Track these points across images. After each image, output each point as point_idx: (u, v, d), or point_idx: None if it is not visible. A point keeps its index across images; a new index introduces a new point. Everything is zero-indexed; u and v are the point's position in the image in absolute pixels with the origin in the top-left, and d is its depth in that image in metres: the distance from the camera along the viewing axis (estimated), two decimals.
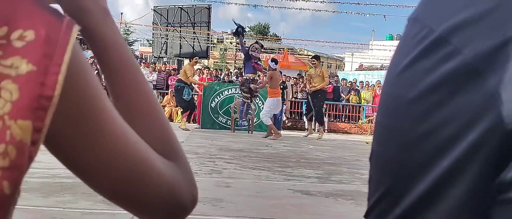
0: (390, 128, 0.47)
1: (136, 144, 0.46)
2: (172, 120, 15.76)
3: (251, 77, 11.58)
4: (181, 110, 12.70)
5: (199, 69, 17.10)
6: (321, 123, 12.39)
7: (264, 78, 11.63)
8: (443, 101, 0.42)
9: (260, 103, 13.25)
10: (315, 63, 11.84)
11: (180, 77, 12.24)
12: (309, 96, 11.95)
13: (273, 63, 11.16)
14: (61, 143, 0.42)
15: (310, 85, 11.72)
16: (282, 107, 14.52)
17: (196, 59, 12.56)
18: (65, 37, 0.40)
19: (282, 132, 14.34)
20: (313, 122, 12.46)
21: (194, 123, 14.23)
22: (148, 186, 0.46)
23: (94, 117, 0.43)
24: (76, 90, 0.41)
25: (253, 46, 11.89)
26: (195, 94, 13.29)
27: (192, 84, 12.28)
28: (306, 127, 13.27)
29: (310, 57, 11.34)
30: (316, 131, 12.62)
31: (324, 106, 16.38)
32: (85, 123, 0.42)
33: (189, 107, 12.21)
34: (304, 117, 13.21)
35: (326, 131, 16.27)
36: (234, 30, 12.44)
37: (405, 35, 0.48)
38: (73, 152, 0.43)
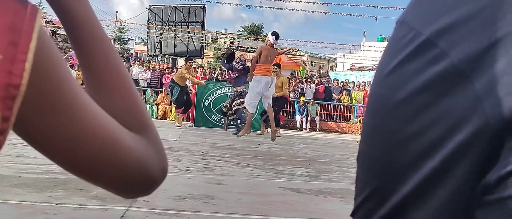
0: (377, 128, 0.47)
1: (106, 124, 0.46)
2: (165, 118, 15.73)
3: (241, 90, 10.77)
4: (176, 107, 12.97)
5: (194, 67, 17.06)
6: (278, 124, 11.75)
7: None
8: (430, 103, 0.42)
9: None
10: (276, 71, 10.72)
11: (174, 78, 12.45)
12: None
13: (273, 37, 8.86)
14: (29, 129, 0.42)
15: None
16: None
17: (190, 63, 12.62)
18: (30, 24, 0.39)
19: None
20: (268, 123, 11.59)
21: (187, 121, 14.20)
22: (118, 163, 0.47)
23: (62, 103, 0.42)
24: (44, 77, 0.41)
25: (238, 58, 11.03)
26: (190, 92, 13.37)
27: (187, 84, 12.38)
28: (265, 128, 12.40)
29: (272, 64, 9.79)
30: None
31: (318, 105, 16.46)
32: (54, 109, 0.42)
33: (181, 104, 12.42)
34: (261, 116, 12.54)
35: (317, 130, 16.36)
36: (227, 57, 11.28)
37: (393, 37, 0.47)
38: (42, 137, 0.43)
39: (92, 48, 0.52)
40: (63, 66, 0.43)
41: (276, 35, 8.90)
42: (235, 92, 11.05)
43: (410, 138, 0.43)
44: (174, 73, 17.36)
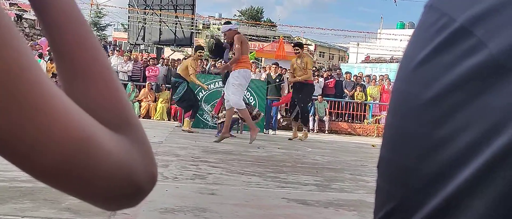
0: (402, 132, 0.46)
1: (79, 121, 0.45)
2: (149, 117, 15.74)
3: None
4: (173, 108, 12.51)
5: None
6: (305, 124, 11.89)
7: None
8: (465, 102, 0.41)
9: (250, 98, 13.26)
10: (298, 52, 11.11)
11: (178, 72, 11.49)
12: (293, 89, 11.53)
13: (232, 24, 9.61)
14: None
15: (293, 78, 11.16)
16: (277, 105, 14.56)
17: (200, 53, 11.47)
18: None
19: (277, 132, 14.40)
20: (298, 122, 11.63)
21: (175, 120, 14.20)
22: (96, 168, 0.46)
23: (23, 93, 0.41)
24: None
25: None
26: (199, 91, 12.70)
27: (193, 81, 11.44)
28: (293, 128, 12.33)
29: (293, 45, 10.22)
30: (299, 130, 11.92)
31: (327, 103, 16.47)
32: (13, 100, 0.41)
33: (189, 106, 11.46)
34: (289, 114, 12.33)
35: (326, 131, 16.38)
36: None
37: (420, 24, 0.47)
38: (3, 136, 0.41)
39: (65, 30, 0.51)
40: (23, 50, 0.42)
41: (228, 22, 9.86)
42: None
43: (440, 143, 0.43)
44: (160, 64, 17.46)
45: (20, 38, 0.42)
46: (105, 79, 0.52)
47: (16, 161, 0.43)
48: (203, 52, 11.66)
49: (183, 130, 11.08)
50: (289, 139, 11.52)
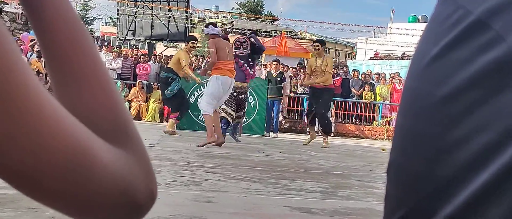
0: (414, 133, 0.47)
1: (73, 129, 0.44)
2: (140, 118, 15.75)
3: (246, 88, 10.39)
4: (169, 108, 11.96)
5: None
6: (326, 131, 11.24)
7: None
8: (482, 100, 0.42)
9: (249, 97, 13.26)
10: (318, 50, 10.58)
11: (170, 66, 11.22)
12: (310, 93, 11.06)
13: (209, 28, 9.51)
14: None
15: (309, 80, 10.69)
16: (279, 105, 14.57)
17: (193, 43, 11.11)
18: None
19: (279, 135, 14.40)
20: (315, 126, 11.45)
21: (167, 122, 14.19)
22: (91, 182, 0.45)
23: (12, 99, 0.40)
24: None
25: (236, 41, 10.31)
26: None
27: (185, 76, 11.05)
28: (308, 130, 12.09)
29: (313, 41, 10.00)
30: (320, 136, 11.58)
31: (333, 103, 16.47)
32: (2, 105, 0.40)
33: (179, 106, 11.28)
34: (305, 118, 12.48)
35: (332, 134, 16.38)
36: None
37: (434, 17, 0.47)
38: None
39: (60, 32, 0.50)
40: (12, 54, 0.41)
41: (212, 24, 9.69)
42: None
43: (455, 145, 0.43)
44: (152, 61, 17.48)
45: (9, 39, 0.42)
46: (102, 87, 0.51)
47: (8, 171, 0.43)
48: (196, 43, 11.33)
49: (165, 132, 10.87)
50: (304, 143, 11.22)
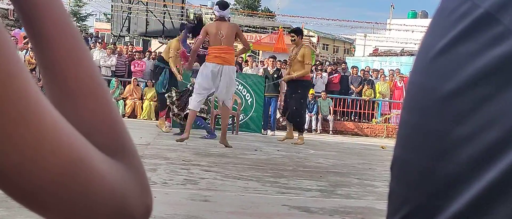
0: (419, 129, 0.46)
1: (71, 139, 0.44)
2: (135, 116, 15.74)
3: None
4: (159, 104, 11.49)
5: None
6: (299, 129, 10.75)
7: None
8: (490, 96, 0.41)
9: (247, 95, 13.26)
10: (294, 40, 10.09)
11: (162, 55, 11.04)
12: (286, 88, 10.64)
13: (217, 6, 8.89)
14: None
15: (288, 75, 10.25)
16: (276, 103, 14.56)
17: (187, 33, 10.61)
18: None
19: (276, 133, 14.42)
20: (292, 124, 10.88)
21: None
22: (87, 195, 0.45)
23: (11, 105, 0.40)
24: None
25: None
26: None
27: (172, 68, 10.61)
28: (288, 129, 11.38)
29: (289, 31, 9.43)
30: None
31: (331, 101, 16.48)
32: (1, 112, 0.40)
33: (165, 103, 10.83)
34: (279, 112, 11.84)
35: (330, 131, 16.40)
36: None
37: (440, 9, 0.47)
38: None
39: (54, 40, 0.50)
40: (13, 59, 0.41)
41: (220, 4, 8.83)
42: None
43: (462, 141, 0.43)
44: (146, 58, 17.46)
45: (10, 43, 0.42)
46: (99, 100, 0.51)
47: (4, 178, 0.42)
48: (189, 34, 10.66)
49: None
50: (280, 140, 10.95)
